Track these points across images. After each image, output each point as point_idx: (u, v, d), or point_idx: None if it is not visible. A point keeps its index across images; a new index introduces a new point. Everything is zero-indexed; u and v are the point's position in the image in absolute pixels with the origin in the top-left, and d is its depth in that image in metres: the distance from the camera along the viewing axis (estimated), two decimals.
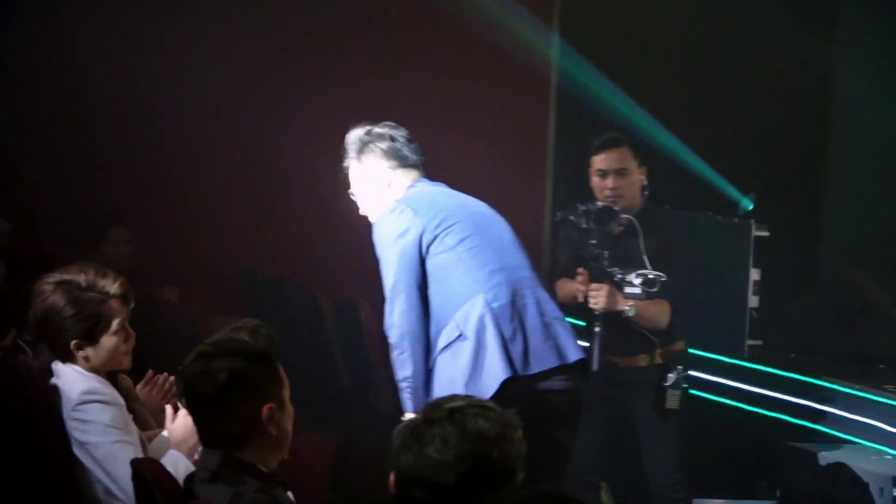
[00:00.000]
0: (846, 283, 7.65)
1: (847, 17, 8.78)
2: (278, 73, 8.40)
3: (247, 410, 3.63)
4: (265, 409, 3.64)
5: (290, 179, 8.39)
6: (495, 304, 5.03)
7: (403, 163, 5.30)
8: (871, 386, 6.35)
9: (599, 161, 6.37)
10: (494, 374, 4.97)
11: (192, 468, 3.93)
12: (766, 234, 7.00)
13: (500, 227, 5.24)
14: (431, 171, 8.54)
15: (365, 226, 8.48)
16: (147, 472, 3.54)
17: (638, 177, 6.33)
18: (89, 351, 4.41)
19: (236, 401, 3.63)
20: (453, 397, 3.17)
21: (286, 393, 3.75)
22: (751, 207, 7.68)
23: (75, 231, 7.55)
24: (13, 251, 7.24)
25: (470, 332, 5.01)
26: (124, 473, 4.02)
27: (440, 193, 5.28)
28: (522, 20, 8.50)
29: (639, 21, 8.61)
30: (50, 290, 4.42)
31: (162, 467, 3.67)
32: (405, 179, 5.29)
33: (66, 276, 4.43)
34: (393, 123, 5.42)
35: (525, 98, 8.71)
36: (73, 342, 4.40)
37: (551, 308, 5.12)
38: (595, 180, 6.38)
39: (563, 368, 5.05)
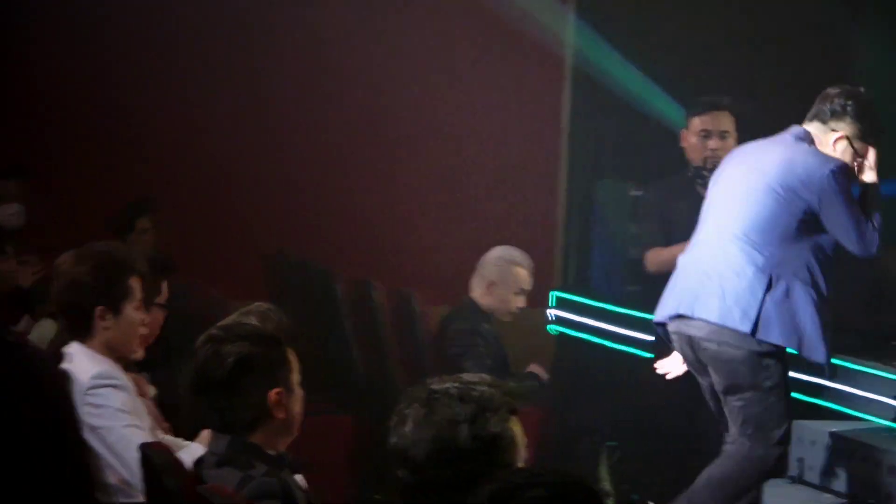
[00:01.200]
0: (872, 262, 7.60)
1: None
2: (294, 59, 8.39)
3: (255, 395, 3.66)
4: (273, 393, 3.67)
5: (308, 163, 8.41)
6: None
7: None
8: (883, 363, 6.33)
9: (702, 122, 6.35)
10: None
11: None
12: None
13: (743, 189, 5.29)
14: (448, 146, 8.56)
15: (381, 209, 8.47)
16: (155, 455, 3.57)
17: (733, 142, 6.30)
18: (111, 321, 4.38)
19: (244, 385, 3.65)
20: (450, 377, 3.16)
21: (295, 377, 3.77)
22: None
23: (104, 224, 7.57)
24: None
25: None
26: (135, 457, 4.02)
27: (749, 152, 5.48)
28: None
29: None
30: (72, 262, 4.41)
31: (169, 451, 3.69)
32: None
33: (89, 251, 4.44)
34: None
35: (540, 76, 8.70)
36: (98, 308, 4.36)
37: (717, 268, 5.18)
38: (693, 141, 6.35)
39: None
